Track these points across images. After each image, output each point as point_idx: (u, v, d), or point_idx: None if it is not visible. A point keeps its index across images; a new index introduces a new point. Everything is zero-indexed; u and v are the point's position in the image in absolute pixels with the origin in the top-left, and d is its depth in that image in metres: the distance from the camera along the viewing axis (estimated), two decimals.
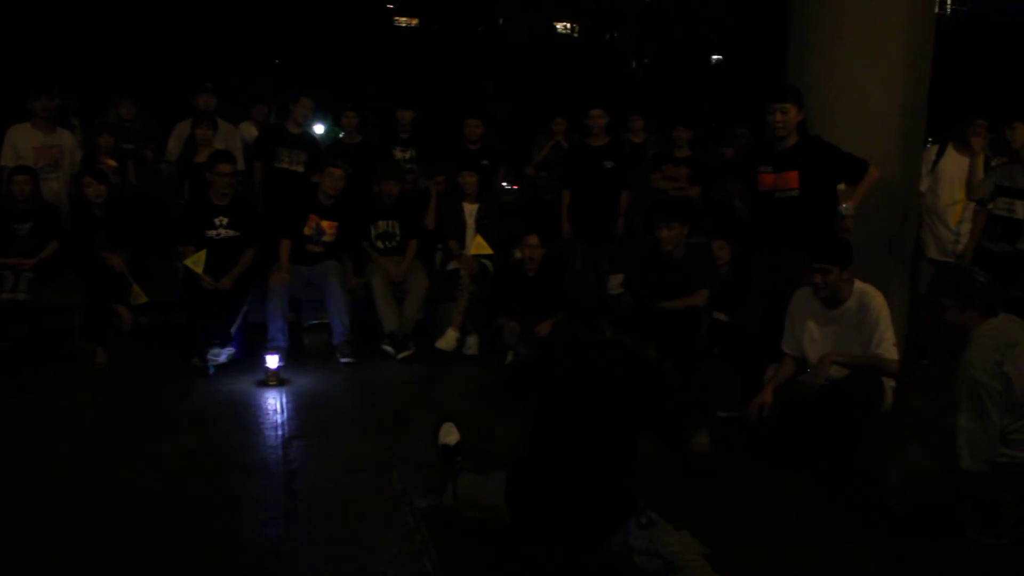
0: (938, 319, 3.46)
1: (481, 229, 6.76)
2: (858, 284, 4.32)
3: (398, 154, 7.42)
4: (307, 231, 6.36)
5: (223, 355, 5.83)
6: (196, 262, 5.90)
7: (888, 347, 4.15)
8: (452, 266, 6.76)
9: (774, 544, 3.46)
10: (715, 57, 22.03)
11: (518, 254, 6.48)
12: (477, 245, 6.63)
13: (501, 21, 28.41)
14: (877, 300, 4.24)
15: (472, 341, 6.45)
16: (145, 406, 5.13)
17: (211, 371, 5.71)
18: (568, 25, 31.24)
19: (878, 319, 4.17)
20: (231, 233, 6.14)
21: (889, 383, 4.24)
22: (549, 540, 3.15)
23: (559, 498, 3.11)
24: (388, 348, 6.27)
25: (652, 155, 7.66)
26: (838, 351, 4.21)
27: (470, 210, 6.87)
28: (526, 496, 3.18)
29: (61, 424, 4.79)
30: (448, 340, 6.40)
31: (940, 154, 6.63)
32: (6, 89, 10.43)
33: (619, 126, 8.04)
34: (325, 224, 6.38)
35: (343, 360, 6.10)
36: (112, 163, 6.58)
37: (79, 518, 3.58)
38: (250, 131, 7.61)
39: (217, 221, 6.12)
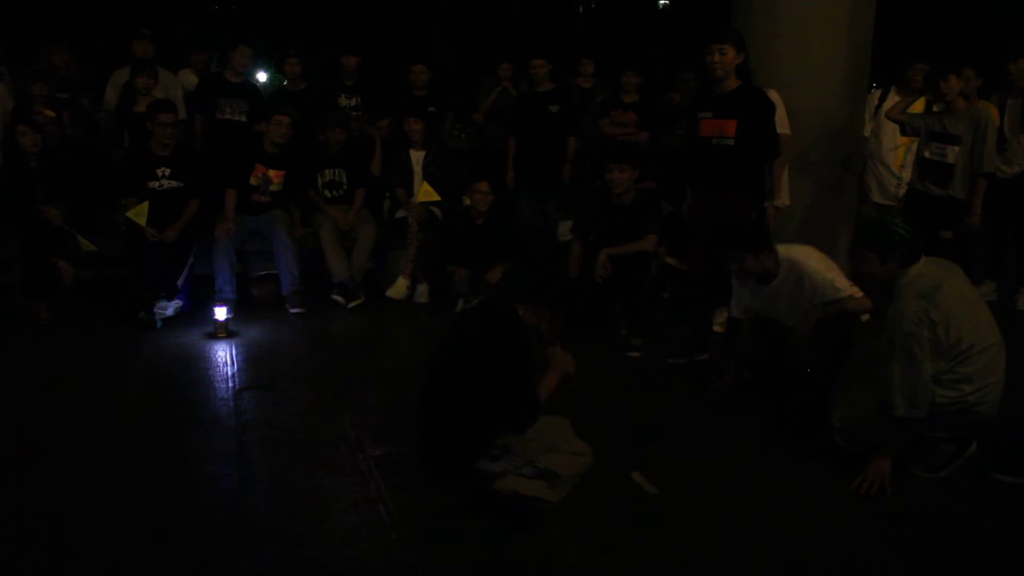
0: (859, 270, 3.55)
1: (428, 176, 6.70)
2: (783, 252, 4.16)
3: (343, 101, 7.30)
4: (254, 181, 6.26)
5: (170, 308, 5.74)
6: (139, 214, 5.78)
7: (844, 289, 4.05)
8: (400, 214, 6.72)
9: (728, 483, 3.56)
10: (663, 1, 21.90)
11: (467, 201, 6.45)
12: (424, 192, 6.58)
13: None
14: (808, 265, 4.11)
15: (422, 289, 6.44)
16: (93, 361, 5.04)
17: (158, 324, 5.63)
18: None
19: (819, 280, 4.06)
20: (174, 184, 6.01)
21: (863, 317, 4.22)
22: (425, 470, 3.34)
23: (425, 434, 3.30)
24: (338, 298, 6.23)
25: (600, 101, 7.64)
26: (815, 306, 4.07)
27: (417, 157, 6.81)
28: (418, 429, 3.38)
29: (4, 383, 4.67)
30: (398, 288, 6.38)
31: (883, 98, 6.71)
32: None
33: (568, 71, 8.01)
34: (272, 173, 6.28)
35: (293, 310, 6.06)
36: (50, 113, 6.36)
37: (27, 476, 3.54)
38: (190, 79, 7.41)
39: (159, 172, 5.98)
